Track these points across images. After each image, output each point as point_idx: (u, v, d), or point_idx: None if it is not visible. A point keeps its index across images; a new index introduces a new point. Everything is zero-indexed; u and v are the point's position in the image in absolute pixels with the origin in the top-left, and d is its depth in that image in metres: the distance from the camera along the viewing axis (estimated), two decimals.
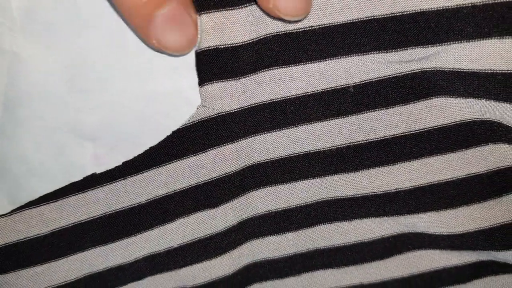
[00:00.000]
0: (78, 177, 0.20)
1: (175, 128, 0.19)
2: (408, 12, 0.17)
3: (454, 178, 0.20)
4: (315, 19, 0.18)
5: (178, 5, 0.16)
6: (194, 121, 0.19)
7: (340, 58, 0.18)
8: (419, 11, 0.17)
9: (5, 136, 0.20)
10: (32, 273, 0.21)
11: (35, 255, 0.21)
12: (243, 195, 0.21)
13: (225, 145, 0.20)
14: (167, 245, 0.21)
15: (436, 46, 0.18)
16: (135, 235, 0.21)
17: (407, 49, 0.18)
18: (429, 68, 0.18)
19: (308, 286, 0.23)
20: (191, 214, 0.21)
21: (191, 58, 0.18)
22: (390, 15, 0.18)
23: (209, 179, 0.20)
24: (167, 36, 0.16)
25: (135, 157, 0.20)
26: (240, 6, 0.18)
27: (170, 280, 0.22)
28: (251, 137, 0.20)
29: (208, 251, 0.22)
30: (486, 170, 0.20)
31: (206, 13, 0.17)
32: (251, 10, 0.18)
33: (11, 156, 0.20)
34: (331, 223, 0.22)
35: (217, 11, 0.17)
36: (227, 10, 0.18)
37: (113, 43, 0.18)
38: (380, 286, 0.23)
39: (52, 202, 0.20)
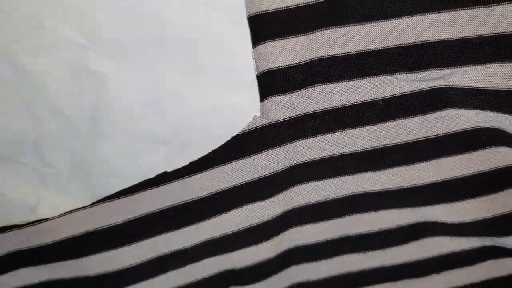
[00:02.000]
0: (151, 175, 0.24)
1: (234, 134, 0.23)
2: (428, 41, 0.22)
3: (463, 176, 0.25)
4: (353, 46, 0.22)
5: None
6: (251, 128, 0.23)
7: (372, 77, 0.22)
8: (436, 40, 0.22)
9: (90, 143, 0.24)
10: (109, 255, 0.25)
11: (110, 241, 0.25)
12: (288, 189, 0.25)
13: (276, 147, 0.24)
14: (223, 231, 0.26)
15: (450, 68, 0.22)
16: (197, 223, 0.25)
17: (426, 71, 0.22)
18: (443, 85, 0.23)
19: (337, 268, 0.28)
20: (245, 206, 0.25)
21: (248, 78, 0.22)
22: (413, 43, 0.22)
23: (262, 176, 0.24)
24: None
25: (200, 158, 0.24)
26: (288, 37, 0.22)
27: (224, 263, 0.26)
28: (297, 141, 0.24)
29: (256, 237, 0.26)
30: (489, 169, 0.24)
31: (262, 43, 0.21)
32: (298, 40, 0.22)
33: (95, 159, 0.24)
34: (360, 213, 0.26)
35: (271, 41, 0.22)
36: (278, 40, 0.22)
37: (187, 65, 0.22)
38: (398, 268, 0.28)
39: (128, 196, 0.25)
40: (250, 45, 0.21)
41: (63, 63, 0.22)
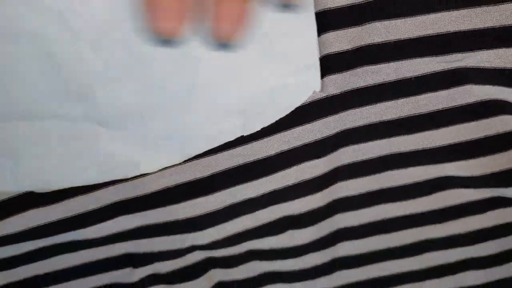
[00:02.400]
0: (231, 138, 0.31)
1: (297, 105, 0.30)
2: (450, 32, 0.28)
3: (475, 138, 0.31)
4: (394, 36, 0.28)
5: None
6: (310, 101, 0.30)
7: (407, 60, 0.29)
8: (457, 31, 0.28)
9: (184, 113, 0.30)
10: (195, 203, 0.32)
11: (196, 191, 0.32)
12: (336, 150, 0.32)
13: (329, 116, 0.30)
14: (284, 184, 0.32)
15: (468, 53, 0.29)
16: (264, 177, 0.32)
17: (449, 55, 0.29)
18: (463, 66, 0.29)
19: (375, 216, 0.34)
20: (303, 163, 0.32)
21: (312, 62, 0.29)
22: (440, 33, 0.28)
23: (317, 139, 0.31)
24: None
25: (268, 125, 0.30)
26: (343, 29, 0.28)
27: (284, 210, 0.33)
28: (347, 110, 0.30)
29: (310, 189, 0.33)
30: (496, 133, 0.31)
31: (323, 34, 0.28)
32: (351, 30, 0.28)
33: (187, 127, 0.30)
34: (394, 170, 0.32)
35: (330, 32, 0.28)
36: (336, 31, 0.28)
37: (265, 52, 0.28)
38: (423, 215, 0.34)
39: (211, 155, 0.31)
40: (316, 35, 0.28)
41: (169, 50, 0.28)
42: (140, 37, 0.28)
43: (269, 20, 0.27)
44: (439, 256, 0.35)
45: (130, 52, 0.28)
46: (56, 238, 0.34)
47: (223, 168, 0.31)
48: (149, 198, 0.32)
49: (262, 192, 0.32)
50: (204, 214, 0.32)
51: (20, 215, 0.33)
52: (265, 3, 0.23)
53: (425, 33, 0.28)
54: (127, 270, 0.36)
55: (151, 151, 0.31)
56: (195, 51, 0.28)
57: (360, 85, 0.29)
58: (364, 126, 0.31)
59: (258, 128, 0.30)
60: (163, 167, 0.31)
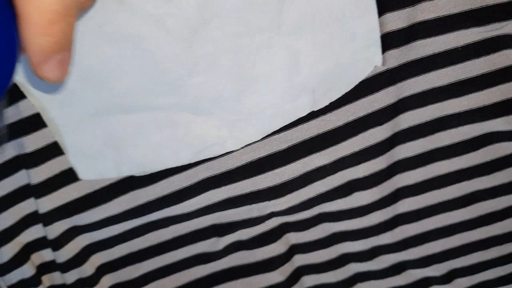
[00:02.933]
0: (304, 113, 0.35)
1: (361, 80, 0.35)
2: (491, 4, 0.33)
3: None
4: (441, 12, 0.33)
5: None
6: (372, 75, 0.35)
7: (454, 32, 0.33)
8: (497, 3, 0.33)
9: (260, 94, 0.35)
10: (276, 172, 0.37)
11: (277, 162, 0.37)
12: (396, 117, 0.36)
13: (389, 87, 0.35)
14: (351, 151, 0.37)
15: (506, 22, 0.33)
16: (333, 146, 0.36)
17: (489, 24, 0.33)
18: (501, 34, 0.34)
19: (429, 173, 0.39)
20: (368, 130, 0.36)
21: (374, 40, 0.33)
22: (480, 7, 0.33)
23: (379, 108, 0.35)
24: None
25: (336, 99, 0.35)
26: (398, 9, 0.33)
27: (349, 175, 0.38)
28: (404, 81, 0.35)
29: (373, 154, 0.37)
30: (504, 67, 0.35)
31: (382, 15, 0.32)
32: (405, 11, 0.33)
33: (262, 106, 0.35)
34: (446, 130, 0.37)
35: (388, 13, 0.33)
36: (392, 12, 0.33)
37: (333, 34, 0.33)
38: (472, 169, 0.39)
39: (287, 130, 0.36)
40: (377, 17, 0.32)
41: (252, 40, 0.33)
42: (226, 32, 0.32)
43: (338, 5, 0.32)
44: (488, 205, 0.40)
45: (217, 45, 0.33)
46: (153, 215, 0.39)
47: (297, 141, 0.36)
48: (234, 172, 0.37)
49: (332, 160, 0.37)
50: (282, 183, 0.37)
51: (121, 197, 0.37)
52: None
53: (468, 8, 0.32)
54: (213, 240, 0.40)
55: (235, 131, 0.36)
56: (276, 39, 0.33)
57: (415, 57, 0.34)
58: (419, 93, 0.35)
59: (327, 103, 0.35)
60: (246, 144, 0.36)
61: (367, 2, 0.32)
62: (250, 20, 0.32)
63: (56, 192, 0.37)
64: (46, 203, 0.37)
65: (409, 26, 0.33)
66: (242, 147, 0.36)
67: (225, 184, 0.37)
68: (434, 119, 0.36)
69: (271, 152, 0.36)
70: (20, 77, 0.33)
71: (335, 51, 0.33)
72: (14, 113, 0.34)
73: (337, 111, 0.35)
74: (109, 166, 0.37)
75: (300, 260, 0.42)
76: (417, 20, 0.33)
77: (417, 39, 0.33)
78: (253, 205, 0.38)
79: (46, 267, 0.41)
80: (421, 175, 0.38)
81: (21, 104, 0.34)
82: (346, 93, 0.35)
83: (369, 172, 0.37)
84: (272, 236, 0.40)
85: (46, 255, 0.40)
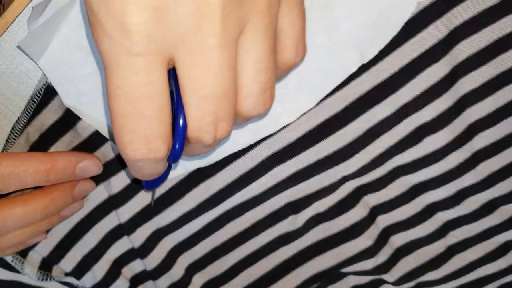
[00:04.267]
0: (353, 70, 0.34)
1: (406, 20, 0.33)
2: None
3: None
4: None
5: None
6: (416, 13, 0.32)
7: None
8: None
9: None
10: (335, 137, 0.36)
11: (327, 130, 0.35)
12: (452, 49, 0.33)
13: (438, 20, 0.32)
14: (412, 95, 0.35)
15: None
16: (392, 95, 0.35)
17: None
18: None
19: (499, 102, 0.36)
20: (425, 70, 0.34)
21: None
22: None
23: (433, 44, 0.33)
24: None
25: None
26: None
27: (415, 121, 0.36)
28: (452, 9, 0.32)
29: (436, 93, 0.35)
30: None
31: None
32: None
33: (313, 72, 0.34)
34: (508, 51, 0.34)
35: None
36: None
37: None
38: None
39: (339, 91, 0.35)
40: None
41: None
42: None
43: None
44: None
45: None
46: (226, 203, 0.39)
47: (354, 98, 0.35)
48: (296, 144, 0.36)
49: (394, 109, 0.35)
50: (347, 144, 0.36)
51: (194, 190, 0.38)
52: None
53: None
54: (290, 218, 0.40)
55: (288, 104, 0.35)
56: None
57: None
58: (470, 19, 0.33)
59: (375, 53, 0.33)
60: (301, 114, 0.35)
61: None
62: None
63: (132, 199, 0.38)
64: (126, 212, 0.38)
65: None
66: (297, 118, 0.35)
67: (289, 158, 0.36)
68: (493, 42, 0.34)
69: (328, 116, 0.35)
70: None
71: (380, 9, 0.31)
72: (85, 126, 0.35)
73: (388, 58, 0.33)
74: (176, 165, 0.37)
75: (384, 220, 0.40)
76: None
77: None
78: (322, 174, 0.37)
79: (138, 279, 0.42)
80: (491, 104, 0.36)
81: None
82: (393, 37, 0.33)
83: (435, 114, 0.36)
84: (349, 201, 0.39)
85: (136, 266, 0.42)
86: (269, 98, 0.24)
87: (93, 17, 0.21)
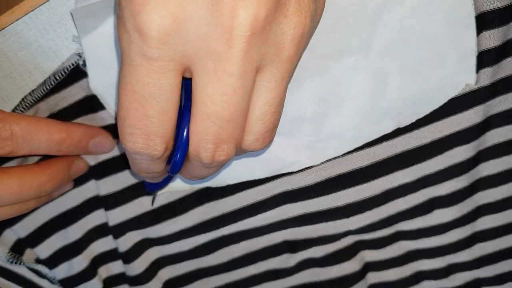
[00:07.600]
0: (387, 131, 0.34)
1: (450, 98, 0.33)
2: None
3: None
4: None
5: None
6: (462, 93, 0.33)
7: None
8: None
9: (343, 117, 0.34)
10: (353, 190, 0.36)
11: (354, 181, 0.36)
12: (483, 135, 0.34)
13: (479, 105, 0.33)
14: (436, 169, 0.35)
15: None
16: (418, 164, 0.35)
17: None
18: None
19: (510, 191, 0.37)
20: (454, 149, 0.34)
21: (471, 59, 0.32)
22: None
23: (467, 126, 0.34)
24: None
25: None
26: (494, 28, 0.31)
27: (431, 193, 0.36)
28: (494, 98, 0.33)
29: (457, 172, 0.36)
30: None
31: (479, 33, 0.31)
32: (500, 29, 0.31)
33: (344, 129, 0.34)
34: None
35: (485, 31, 0.31)
36: (489, 31, 0.31)
37: (428, 55, 0.32)
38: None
39: (369, 148, 0.35)
40: (475, 37, 0.31)
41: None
42: (314, 53, 0.31)
43: (434, 28, 0.30)
44: None
45: (302, 66, 0.32)
46: (225, 229, 0.38)
47: (381, 158, 0.35)
48: (312, 188, 0.36)
49: (416, 178, 0.36)
50: (363, 200, 0.36)
51: (197, 208, 0.37)
52: None
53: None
54: (284, 256, 0.40)
55: (314, 152, 0.35)
56: (364, 62, 0.32)
57: (505, 75, 0.33)
58: (506, 110, 0.34)
59: (413, 120, 0.34)
60: (326, 160, 0.35)
61: (465, 23, 0.31)
62: (339, 42, 0.31)
63: (129, 204, 0.37)
64: (118, 215, 0.37)
65: (503, 44, 0.32)
66: (321, 163, 0.35)
67: (302, 200, 0.36)
68: None
69: (352, 168, 0.35)
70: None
71: (424, 75, 0.32)
72: (104, 117, 0.34)
73: (423, 128, 0.34)
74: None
75: (373, 278, 0.41)
76: (510, 37, 0.31)
77: (509, 56, 0.32)
78: (329, 222, 0.37)
79: (113, 280, 0.41)
80: (502, 193, 0.37)
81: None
82: (434, 110, 0.33)
83: (451, 190, 0.36)
84: (346, 253, 0.39)
85: (113, 268, 0.40)
86: (269, 137, 0.24)
87: (120, 11, 0.21)
